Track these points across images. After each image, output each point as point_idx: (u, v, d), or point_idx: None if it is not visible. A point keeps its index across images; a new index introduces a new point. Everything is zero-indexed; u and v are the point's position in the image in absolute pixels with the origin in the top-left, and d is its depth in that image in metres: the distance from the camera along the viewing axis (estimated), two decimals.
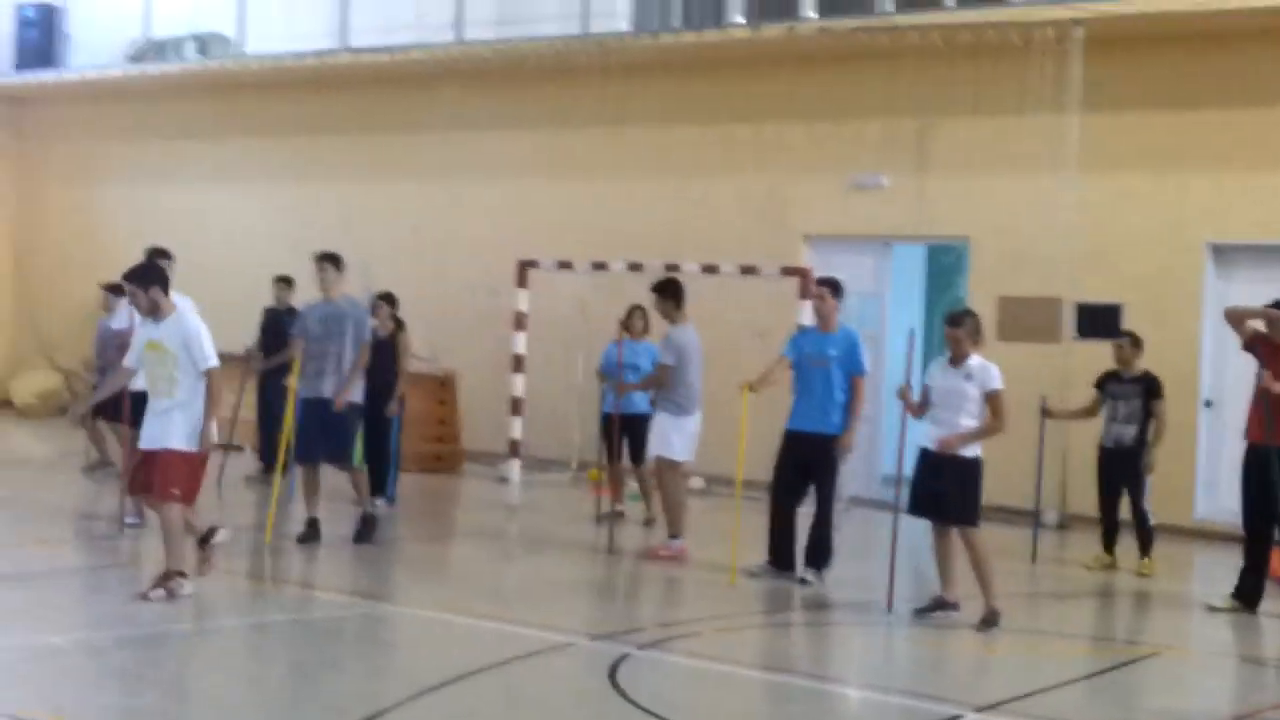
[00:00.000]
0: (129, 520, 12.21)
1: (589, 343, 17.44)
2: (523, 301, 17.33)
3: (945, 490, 10.10)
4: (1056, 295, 15.57)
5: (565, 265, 17.30)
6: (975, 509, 10.20)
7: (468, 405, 18.36)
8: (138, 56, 22.00)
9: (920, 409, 10.38)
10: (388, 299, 14.17)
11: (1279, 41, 14.76)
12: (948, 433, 10.11)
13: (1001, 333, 15.55)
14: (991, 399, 10.13)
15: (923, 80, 16.25)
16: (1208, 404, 15.03)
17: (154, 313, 9.74)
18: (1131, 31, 15.09)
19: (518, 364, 17.30)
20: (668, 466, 12.45)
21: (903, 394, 10.43)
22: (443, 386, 18.11)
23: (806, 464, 11.43)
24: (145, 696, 7.66)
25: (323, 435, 12.13)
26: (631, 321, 14.00)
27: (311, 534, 12.06)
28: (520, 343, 17.29)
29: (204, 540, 9.94)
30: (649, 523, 13.81)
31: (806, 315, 15.24)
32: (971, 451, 10.15)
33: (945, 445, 10.07)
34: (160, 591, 9.57)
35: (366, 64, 19.55)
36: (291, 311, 15.95)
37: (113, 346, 12.75)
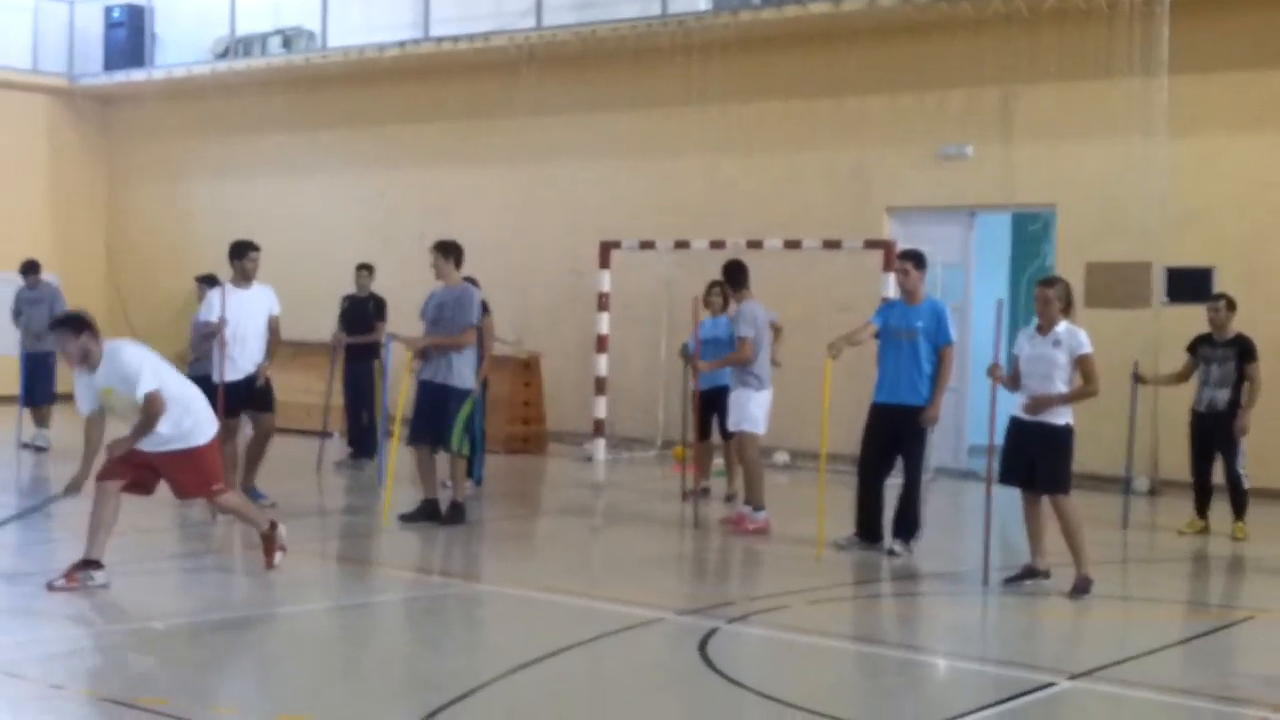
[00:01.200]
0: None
1: (672, 321, 17.51)
2: (605, 282, 17.38)
3: (1036, 458, 10.00)
4: (1146, 260, 15.37)
5: (648, 245, 17.33)
6: (1066, 477, 10.09)
7: (552, 386, 18.48)
8: (223, 53, 22.30)
9: (1013, 382, 10.28)
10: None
11: None
12: (1038, 420, 9.99)
13: (1090, 299, 15.39)
14: (1082, 363, 10.02)
15: (1007, 48, 16.10)
16: None
17: (86, 360, 9.34)
18: None
19: (601, 344, 17.37)
20: (750, 440, 12.47)
21: (993, 372, 10.32)
22: (527, 368, 18.24)
23: (895, 436, 11.38)
24: (247, 679, 7.80)
25: (428, 417, 12.25)
26: (710, 298, 13.99)
27: (428, 513, 12.21)
28: (604, 323, 17.36)
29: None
30: (730, 498, 13.81)
31: (890, 288, 15.17)
32: (1062, 419, 10.04)
33: (1037, 403, 9.96)
34: (277, 554, 9.90)
35: (448, 53, 19.68)
36: (373, 298, 16.13)
37: (200, 338, 12.97)
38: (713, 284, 14.11)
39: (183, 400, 9.55)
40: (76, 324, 9.35)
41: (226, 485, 9.97)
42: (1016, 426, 10.17)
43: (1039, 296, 10.16)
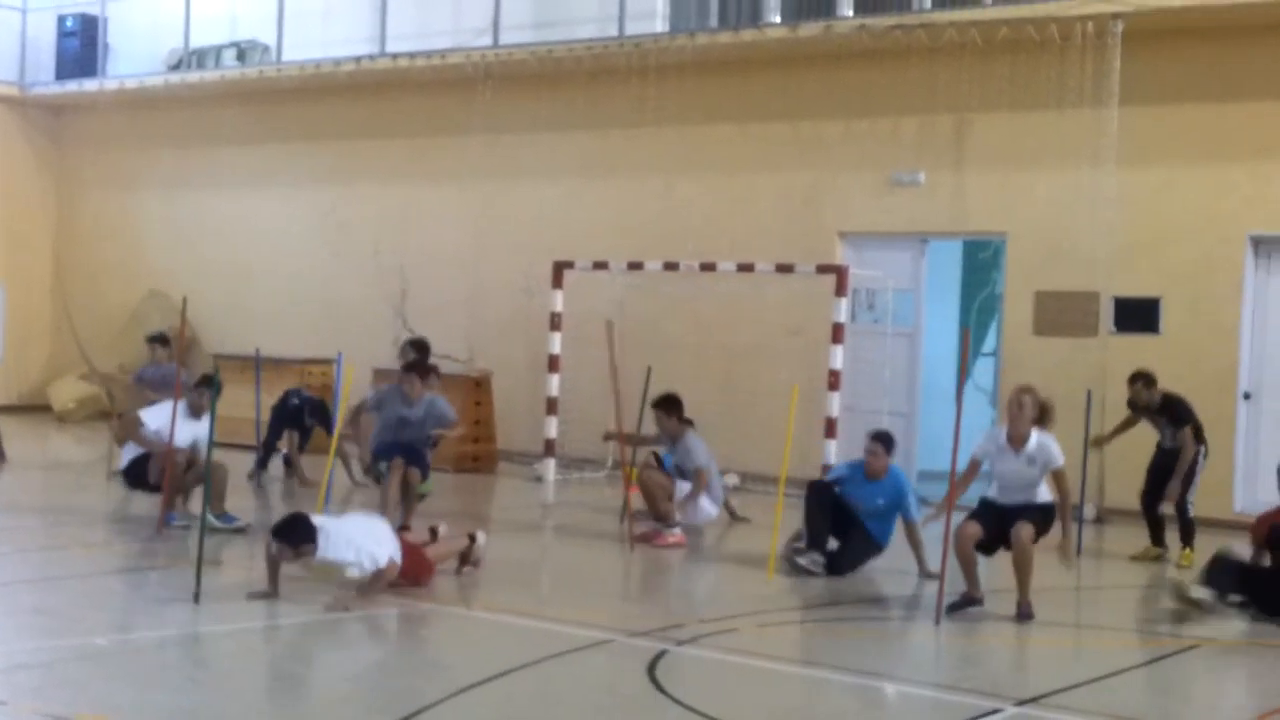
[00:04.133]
0: (176, 521, 12.40)
1: (625, 343, 17.53)
2: (558, 302, 17.38)
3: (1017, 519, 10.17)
4: (1094, 289, 15.50)
5: (601, 266, 17.35)
6: (1043, 528, 10.25)
7: (503, 405, 18.44)
8: (177, 65, 22.17)
9: (964, 483, 10.47)
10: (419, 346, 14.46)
11: None
12: (1018, 503, 10.19)
13: (1039, 328, 15.54)
14: (1056, 476, 10.18)
15: (960, 76, 16.20)
16: (1246, 396, 14.95)
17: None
18: (1170, 24, 15.02)
19: (553, 364, 17.35)
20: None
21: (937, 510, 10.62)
22: (478, 387, 18.19)
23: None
24: (190, 696, 7.71)
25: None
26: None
27: None
28: (556, 343, 17.34)
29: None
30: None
31: (842, 313, 15.28)
32: (1044, 497, 10.25)
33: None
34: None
35: (404, 69, 19.63)
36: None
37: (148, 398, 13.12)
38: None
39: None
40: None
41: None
42: (992, 508, 10.31)
43: (1013, 399, 10.28)
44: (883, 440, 11.74)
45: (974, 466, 10.43)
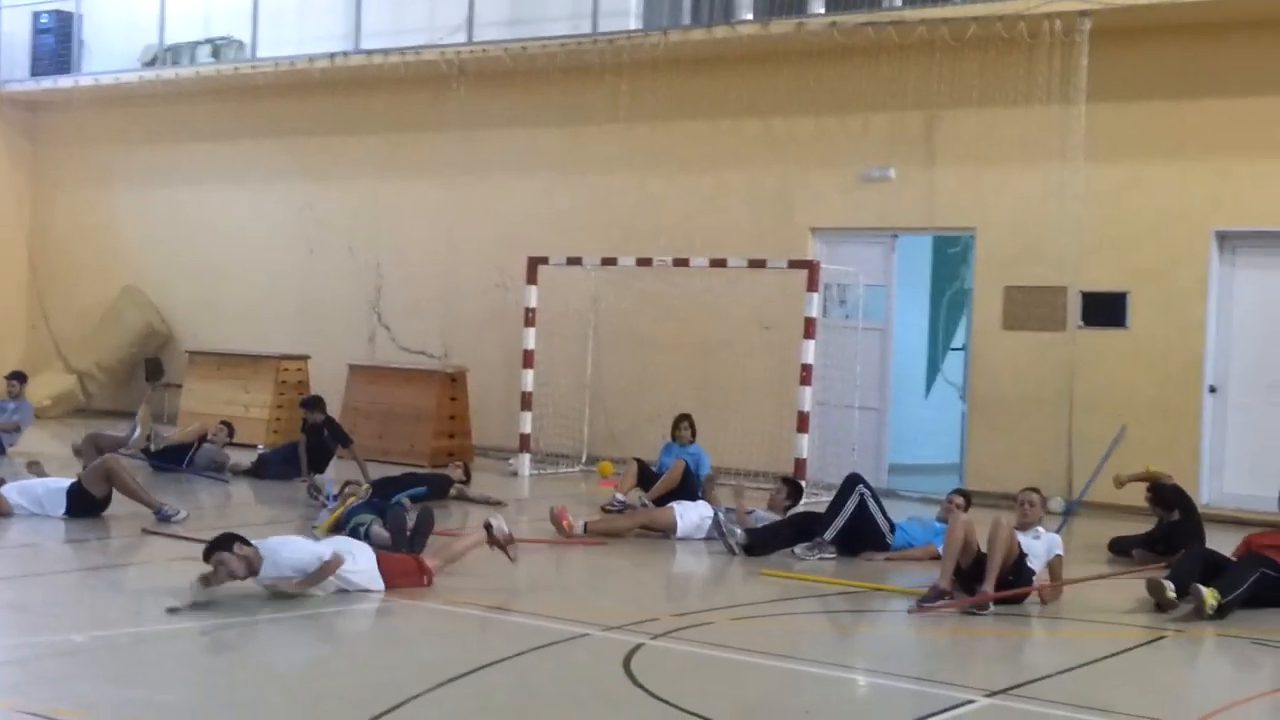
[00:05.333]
0: (166, 514, 12.51)
1: (598, 338, 17.65)
2: (533, 298, 17.46)
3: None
4: (1062, 284, 15.65)
5: (575, 261, 17.43)
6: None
7: (478, 400, 18.51)
8: (152, 61, 22.15)
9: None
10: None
11: None
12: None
13: (1008, 322, 15.69)
14: (1054, 563, 10.71)
15: (930, 73, 16.36)
16: (1212, 390, 15.11)
17: None
18: (1138, 22, 15.18)
19: (527, 359, 17.43)
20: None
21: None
22: (454, 382, 18.28)
23: None
24: (168, 692, 7.74)
25: None
26: (679, 431, 14.76)
27: None
28: (530, 338, 17.43)
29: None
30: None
31: (814, 308, 15.41)
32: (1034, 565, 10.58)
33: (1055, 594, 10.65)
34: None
35: (379, 66, 19.67)
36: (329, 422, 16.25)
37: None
38: (681, 417, 14.85)
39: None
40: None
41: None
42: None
43: (1024, 499, 10.88)
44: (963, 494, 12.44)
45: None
